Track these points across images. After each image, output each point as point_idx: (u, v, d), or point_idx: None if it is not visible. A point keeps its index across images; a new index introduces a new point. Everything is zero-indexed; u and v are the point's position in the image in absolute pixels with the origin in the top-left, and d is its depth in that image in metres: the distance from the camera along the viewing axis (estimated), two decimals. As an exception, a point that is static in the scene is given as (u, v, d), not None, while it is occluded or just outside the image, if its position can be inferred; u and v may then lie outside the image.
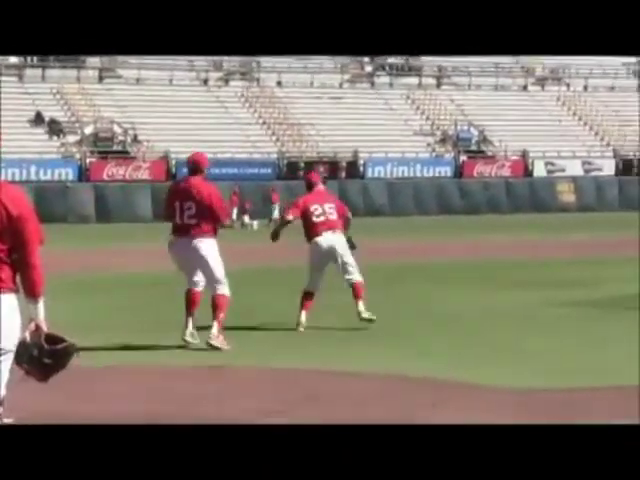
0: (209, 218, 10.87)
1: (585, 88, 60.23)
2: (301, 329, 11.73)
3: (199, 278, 11.02)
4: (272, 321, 12.38)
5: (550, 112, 57.30)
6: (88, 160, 47.79)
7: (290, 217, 12.25)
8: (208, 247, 10.88)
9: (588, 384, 8.40)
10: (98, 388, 8.62)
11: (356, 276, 11.96)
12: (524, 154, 53.19)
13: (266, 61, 55.20)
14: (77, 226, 40.40)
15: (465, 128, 54.22)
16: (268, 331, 11.81)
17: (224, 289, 10.90)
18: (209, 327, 10.69)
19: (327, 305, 12.56)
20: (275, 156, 50.43)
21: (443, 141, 54.05)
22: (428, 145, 53.70)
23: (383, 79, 58.43)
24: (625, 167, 54.31)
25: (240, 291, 15.67)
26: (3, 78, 49.73)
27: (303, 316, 11.84)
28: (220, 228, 11.10)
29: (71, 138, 49.12)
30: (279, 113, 53.70)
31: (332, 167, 49.55)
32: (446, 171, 52.22)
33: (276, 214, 42.05)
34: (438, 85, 58.70)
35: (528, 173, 52.95)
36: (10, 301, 5.13)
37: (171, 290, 13.23)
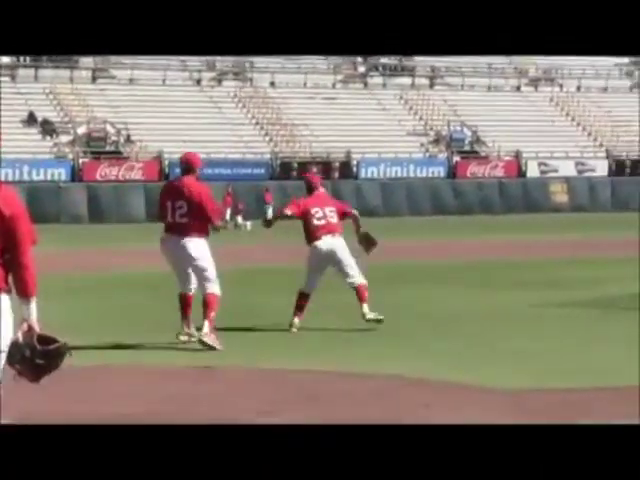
0: (200, 218, 10.88)
1: (578, 89, 60.31)
2: (294, 330, 11.72)
3: (191, 281, 11.03)
4: (268, 322, 12.38)
5: (543, 113, 57.36)
6: (81, 160, 47.74)
7: (288, 212, 12.26)
8: (198, 247, 10.89)
9: (587, 384, 8.41)
10: (91, 388, 8.61)
11: (358, 279, 11.90)
12: (517, 155, 53.25)
13: (259, 61, 55.19)
14: (70, 226, 40.35)
15: (458, 128, 54.26)
16: (265, 332, 11.80)
17: (214, 288, 10.91)
18: (201, 327, 10.71)
19: (326, 305, 12.55)
20: (268, 156, 50.42)
21: (436, 141, 54.08)
22: (421, 145, 53.73)
23: (376, 79, 58.45)
24: (618, 168, 54.39)
25: (234, 291, 15.69)
26: (-4, 78, 49.69)
27: (297, 317, 11.83)
28: (213, 231, 11.08)
29: (64, 138, 49.06)
30: (272, 113, 53.70)
31: (325, 167, 49.53)
32: (439, 171, 52.25)
33: (270, 214, 42.05)
34: (431, 85, 58.74)
35: (521, 173, 53.00)
36: (2, 301, 5.12)
37: (164, 290, 13.22)
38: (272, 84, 55.81)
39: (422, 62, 58.31)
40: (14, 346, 5.17)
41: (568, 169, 53.39)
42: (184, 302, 11.06)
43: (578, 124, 57.70)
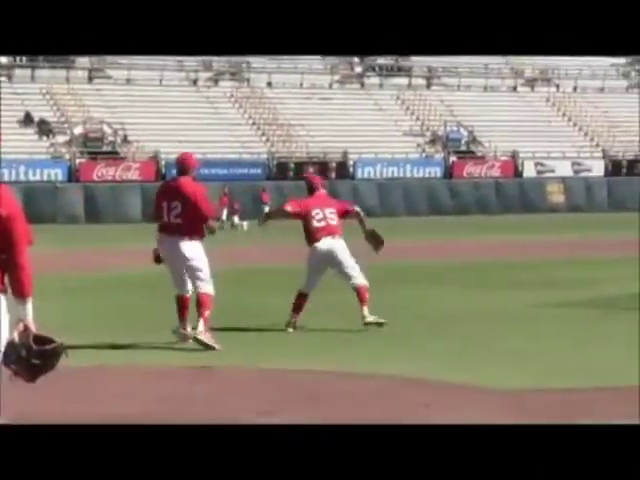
0: (194, 218, 10.89)
1: (574, 89, 60.36)
2: (290, 330, 11.72)
3: (187, 282, 11.04)
4: (266, 321, 12.37)
5: (540, 113, 57.41)
6: (78, 161, 47.72)
7: (288, 208, 12.26)
8: (193, 247, 10.90)
9: (586, 384, 8.40)
10: (88, 388, 8.60)
11: (359, 280, 11.85)
12: (514, 155, 53.29)
13: (256, 62, 55.20)
14: (66, 227, 40.33)
15: (455, 129, 54.29)
16: (264, 331, 11.79)
17: (208, 287, 10.92)
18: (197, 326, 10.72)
19: (326, 305, 12.53)
20: (265, 156, 50.43)
21: (433, 142, 54.11)
22: (418, 146, 53.75)
23: (373, 80, 58.47)
24: (614, 168, 54.45)
25: (231, 291, 15.69)
26: (-8, 78, 49.66)
27: (294, 317, 11.83)
28: (209, 233, 11.08)
29: (60, 138, 49.04)
30: (269, 113, 53.71)
31: (322, 168, 49.53)
32: (436, 172, 52.27)
33: (267, 213, 42.05)
34: (428, 86, 58.77)
35: (518, 174, 53.03)
36: (-1, 302, 5.12)
37: (161, 290, 13.21)
38: (269, 84, 55.81)
39: (419, 62, 58.34)
40: (10, 346, 5.16)
41: (565, 169, 53.44)
42: (181, 304, 11.07)
43: (575, 124, 57.74)
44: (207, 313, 10.79)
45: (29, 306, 5.25)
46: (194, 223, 10.90)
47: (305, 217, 12.06)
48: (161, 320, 11.61)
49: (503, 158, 53.42)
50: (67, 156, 47.94)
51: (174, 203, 10.96)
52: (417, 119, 55.50)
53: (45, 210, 41.74)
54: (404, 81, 58.36)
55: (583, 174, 53.64)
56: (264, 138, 52.15)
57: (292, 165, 49.69)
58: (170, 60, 53.24)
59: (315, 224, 11.97)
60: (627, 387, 8.09)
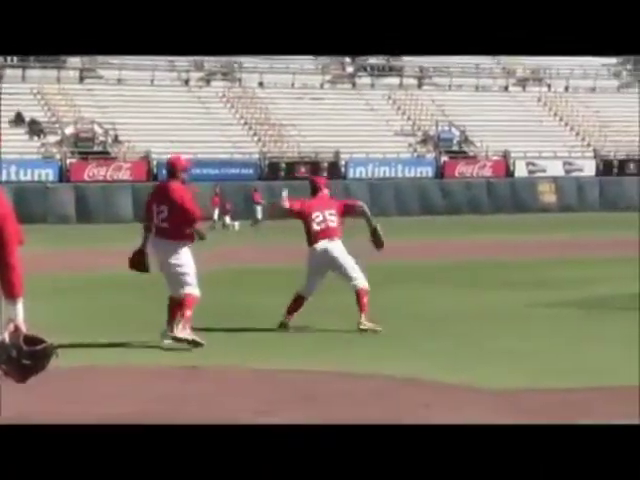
0: (180, 222, 10.91)
1: (566, 89, 60.45)
2: (282, 328, 11.70)
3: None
4: (260, 321, 12.34)
5: (531, 113, 57.47)
6: (68, 161, 47.65)
7: (286, 204, 12.22)
8: (178, 251, 10.92)
9: (582, 384, 8.41)
10: (81, 388, 8.58)
11: (359, 282, 11.78)
12: (505, 154, 53.34)
13: (247, 62, 55.18)
14: (57, 227, 40.27)
15: (446, 128, 54.32)
16: (260, 332, 11.76)
17: (191, 289, 10.92)
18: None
19: (324, 306, 12.50)
20: (256, 156, 50.40)
21: (424, 141, 54.13)
22: (409, 145, 53.77)
23: (364, 80, 58.48)
24: (606, 168, 54.53)
25: (223, 292, 15.69)
26: (-17, 78, 49.55)
27: (288, 318, 11.80)
28: (198, 238, 11.08)
29: (51, 138, 48.96)
30: (260, 113, 53.68)
31: (313, 167, 49.52)
32: (427, 171, 52.30)
33: (259, 214, 42.02)
34: (419, 85, 58.79)
35: (509, 173, 53.08)
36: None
37: (152, 291, 13.19)
38: (260, 84, 55.79)
39: (410, 62, 58.36)
40: (0, 347, 5.15)
41: (556, 169, 53.50)
42: (171, 305, 11.08)
43: (566, 124, 57.82)
44: (189, 313, 10.81)
45: (20, 306, 5.23)
46: (180, 227, 10.92)
47: (305, 218, 12.05)
48: (153, 320, 11.59)
49: (495, 158, 53.47)
50: (58, 156, 47.85)
51: (161, 207, 11.03)
52: (408, 119, 55.51)
53: (36, 210, 41.66)
54: (395, 81, 58.38)
55: (574, 174, 53.71)
56: (256, 138, 52.12)
57: (284, 165, 49.67)
58: (161, 60, 53.19)
59: (315, 227, 11.96)
60: (623, 387, 8.11)
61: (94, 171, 47.09)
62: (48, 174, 46.62)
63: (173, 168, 11.29)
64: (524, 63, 60.10)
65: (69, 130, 49.01)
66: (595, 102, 59.34)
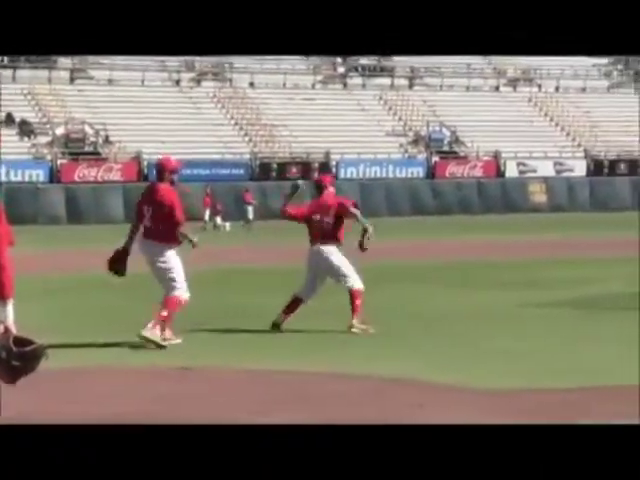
0: (164, 224, 10.93)
1: (557, 89, 60.54)
2: (275, 328, 11.68)
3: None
4: (253, 322, 12.33)
5: (522, 113, 57.54)
6: (59, 161, 47.57)
7: (290, 211, 12.18)
8: (164, 254, 10.93)
9: (578, 384, 8.42)
10: (74, 389, 8.56)
11: (352, 283, 11.76)
12: (496, 155, 53.39)
13: (238, 62, 55.14)
14: (47, 227, 40.19)
15: (437, 129, 54.35)
16: (253, 332, 11.74)
17: (176, 292, 10.94)
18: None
19: (319, 307, 12.47)
20: (247, 157, 50.37)
21: (415, 142, 54.16)
22: (400, 146, 53.79)
23: (355, 80, 58.49)
24: (596, 168, 54.62)
25: (215, 292, 15.67)
26: (-27, 79, 49.45)
27: (283, 317, 11.76)
28: (187, 241, 11.07)
29: (42, 139, 48.87)
30: (251, 114, 53.65)
31: (304, 168, 49.53)
32: (418, 172, 52.32)
33: (251, 214, 41.99)
34: (410, 86, 58.82)
35: (500, 174, 53.14)
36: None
37: (143, 291, 13.17)
38: (251, 84, 55.76)
39: (401, 63, 58.39)
40: (-10, 348, 5.13)
41: (547, 169, 53.57)
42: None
43: (557, 124, 57.90)
44: (165, 313, 10.83)
45: (10, 308, 5.21)
46: (164, 229, 10.94)
47: (307, 221, 12.04)
48: (143, 320, 11.54)
49: (485, 158, 53.52)
50: (49, 157, 47.77)
51: (149, 207, 11.10)
52: (400, 119, 55.54)
53: (26, 211, 41.56)
54: (387, 81, 58.40)
55: (565, 174, 53.79)
56: (247, 138, 52.10)
57: (275, 165, 49.65)
58: (152, 61, 53.13)
59: (313, 230, 11.97)
60: (619, 387, 8.13)
61: (85, 172, 47.01)
62: (39, 175, 46.53)
63: (162, 169, 11.34)
64: (515, 63, 60.18)
65: (60, 131, 48.92)
66: (586, 102, 59.44)
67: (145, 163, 46.74)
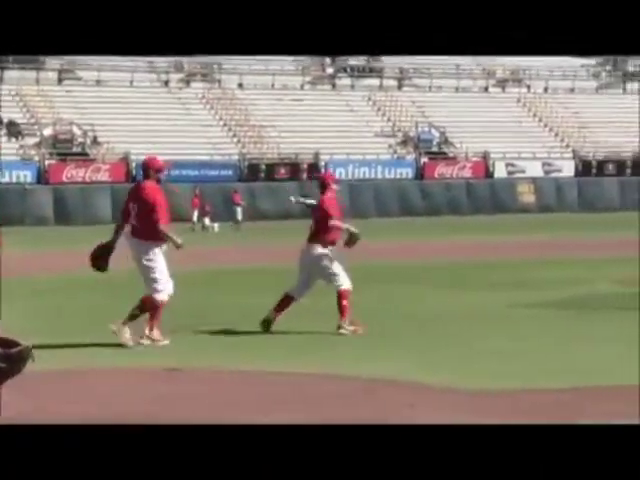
0: (146, 222, 10.94)
1: (545, 90, 60.63)
2: (265, 325, 11.63)
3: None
4: (242, 323, 12.28)
5: (511, 113, 57.60)
6: (47, 162, 47.43)
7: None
8: (148, 253, 10.94)
9: (571, 384, 8.41)
10: (70, 390, 8.51)
11: (339, 283, 11.72)
12: (485, 155, 53.44)
13: (227, 63, 55.08)
14: (35, 228, 40.08)
15: (426, 129, 54.38)
16: (244, 334, 11.70)
17: (154, 293, 10.95)
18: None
19: (311, 308, 12.43)
20: (236, 158, 50.32)
21: (404, 142, 54.17)
22: (389, 146, 53.80)
23: (344, 81, 58.47)
24: (584, 168, 54.72)
25: (202, 292, 15.64)
26: (-39, 79, 49.28)
27: (273, 314, 11.72)
28: (174, 245, 11.05)
29: (30, 140, 48.72)
30: (240, 115, 53.59)
31: (293, 168, 49.51)
32: (407, 172, 52.33)
33: (239, 215, 41.96)
34: (399, 87, 58.84)
35: (489, 174, 53.18)
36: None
37: (133, 291, 13.12)
38: (240, 85, 55.70)
39: (390, 63, 58.40)
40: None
41: (535, 170, 53.64)
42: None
43: (545, 125, 57.99)
44: (137, 312, 10.91)
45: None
46: (147, 227, 10.97)
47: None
48: (137, 321, 11.49)
49: (474, 159, 53.55)
50: (36, 158, 47.63)
51: (134, 205, 11.16)
52: (388, 120, 55.55)
53: (14, 212, 41.43)
54: (375, 82, 58.41)
55: (553, 174, 53.86)
56: (235, 139, 52.04)
57: (263, 166, 49.61)
58: (141, 61, 53.03)
59: (310, 228, 12.01)
60: (612, 387, 8.13)
61: (73, 172, 46.89)
62: (26, 176, 46.38)
63: (147, 168, 11.41)
64: (504, 64, 60.25)
65: (47, 131, 48.79)
66: (574, 103, 59.54)
67: (133, 164, 46.63)
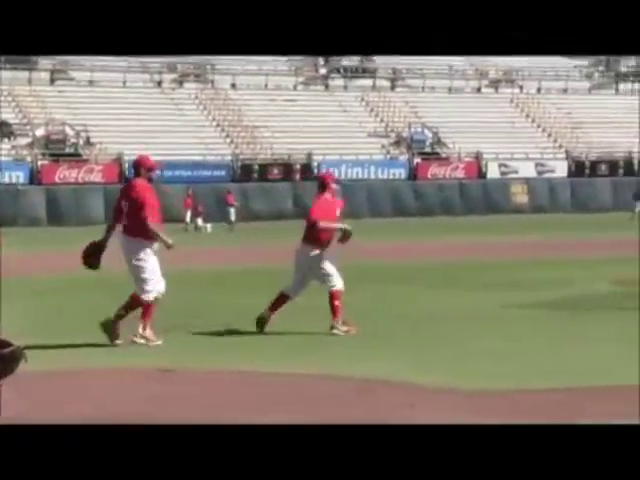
0: (136, 219, 10.94)
1: (538, 90, 60.70)
2: (260, 322, 11.60)
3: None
4: (235, 322, 12.26)
5: (503, 114, 57.66)
6: (39, 163, 47.36)
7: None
8: (138, 251, 10.93)
9: (566, 384, 8.42)
10: (67, 390, 8.50)
11: (332, 284, 11.69)
12: (478, 156, 53.48)
13: (220, 63, 55.06)
14: (28, 229, 40.02)
15: (419, 130, 54.40)
16: (238, 334, 11.68)
17: (142, 293, 10.95)
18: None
19: (304, 305, 12.41)
20: (229, 158, 50.30)
21: (397, 143, 54.19)
22: (382, 147, 53.82)
23: (337, 81, 58.48)
24: (577, 169, 54.79)
25: (195, 293, 15.62)
26: (-47, 80, 49.19)
27: (268, 312, 11.70)
28: (165, 246, 11.03)
29: (22, 140, 48.65)
30: (233, 115, 53.58)
31: (286, 169, 49.51)
32: (400, 173, 52.35)
33: (233, 216, 41.94)
34: (392, 87, 58.86)
35: (482, 175, 53.22)
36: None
37: (126, 291, 13.09)
38: (233, 86, 55.68)
39: (383, 64, 58.43)
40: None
41: (528, 170, 53.69)
42: (143, 307, 11.07)
43: (538, 125, 58.05)
44: (123, 312, 10.91)
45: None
46: (137, 225, 10.96)
47: None
48: (127, 321, 11.48)
49: (467, 159, 53.60)
50: (29, 158, 47.56)
51: (125, 203, 11.17)
52: (381, 120, 55.57)
53: (6, 213, 41.38)
54: (368, 82, 58.43)
55: (546, 175, 53.92)
56: (228, 140, 52.02)
57: (256, 167, 49.59)
58: (134, 62, 52.98)
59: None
60: (606, 387, 8.13)
61: (65, 173, 46.83)
62: (19, 176, 46.31)
63: (138, 166, 11.42)
64: (496, 65, 60.30)
65: (40, 132, 48.72)
66: (567, 103, 59.61)
67: (126, 165, 46.57)
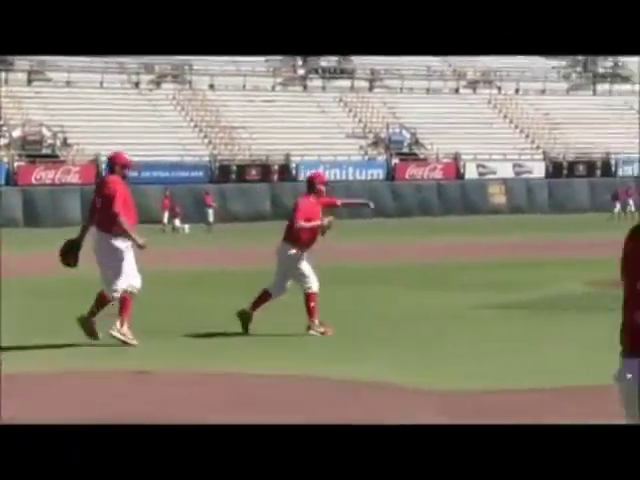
0: (108, 213, 10.94)
1: (516, 91, 60.93)
2: (241, 317, 11.58)
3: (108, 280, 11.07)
4: (216, 324, 12.24)
5: (481, 115, 57.85)
6: (16, 164, 47.18)
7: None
8: (110, 247, 10.93)
9: (540, 385, 8.44)
10: (53, 392, 8.46)
11: (308, 285, 11.69)
12: (456, 156, 53.64)
13: (198, 64, 55.00)
14: (3, 230, 39.82)
15: (397, 131, 54.51)
16: (219, 335, 11.66)
17: (107, 291, 10.95)
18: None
19: (285, 305, 12.40)
20: (207, 159, 50.24)
21: (375, 144, 54.29)
22: (360, 148, 53.89)
23: (316, 82, 58.54)
24: (555, 169, 55.03)
25: (173, 294, 15.59)
26: None
27: (250, 308, 11.67)
28: (137, 247, 11.01)
29: (-1, 141, 48.46)
30: (211, 116, 53.53)
31: (265, 170, 49.50)
32: (378, 174, 52.45)
33: (211, 217, 41.90)
34: (370, 88, 58.96)
35: (460, 175, 53.38)
36: None
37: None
38: (211, 87, 55.63)
39: (361, 65, 58.52)
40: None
41: (506, 171, 53.89)
42: (120, 303, 11.04)
43: (516, 126, 58.28)
44: (95, 309, 10.92)
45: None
46: (109, 221, 10.95)
47: None
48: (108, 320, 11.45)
49: (445, 160, 53.75)
50: (5, 159, 47.37)
51: (99, 199, 11.19)
52: (360, 121, 55.65)
53: (-17, 214, 41.18)
54: (347, 83, 58.50)
55: (524, 176, 54.14)
56: (206, 141, 51.96)
57: (234, 168, 49.55)
58: (111, 62, 52.84)
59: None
60: (583, 387, 8.15)
61: (42, 174, 46.67)
62: (-5, 177, 46.14)
63: (113, 164, 11.45)
64: (475, 65, 60.49)
65: (17, 133, 48.53)
66: (545, 104, 59.87)
67: (103, 165, 46.48)
